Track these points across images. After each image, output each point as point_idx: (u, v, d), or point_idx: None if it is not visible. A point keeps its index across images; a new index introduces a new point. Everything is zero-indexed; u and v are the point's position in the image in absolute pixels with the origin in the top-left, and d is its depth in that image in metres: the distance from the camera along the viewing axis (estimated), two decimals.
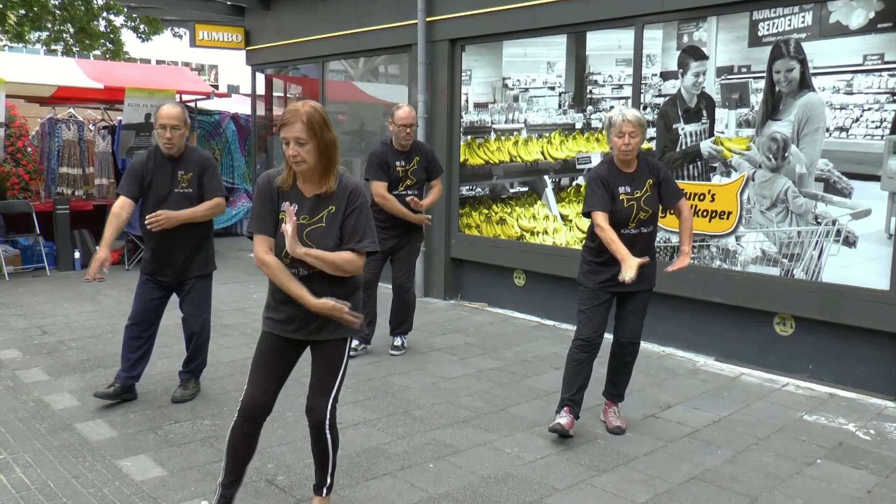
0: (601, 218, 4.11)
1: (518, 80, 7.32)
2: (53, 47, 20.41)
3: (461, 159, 7.91)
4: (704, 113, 5.92)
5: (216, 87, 23.74)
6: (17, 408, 4.69)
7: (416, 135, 5.91)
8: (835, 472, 3.93)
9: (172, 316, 5.05)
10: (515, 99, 7.35)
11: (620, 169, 4.23)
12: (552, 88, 7.04)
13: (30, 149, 10.62)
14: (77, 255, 9.72)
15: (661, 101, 6.19)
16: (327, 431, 3.17)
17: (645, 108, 6.29)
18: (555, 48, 6.99)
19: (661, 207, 4.33)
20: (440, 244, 8.09)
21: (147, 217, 4.50)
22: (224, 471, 3.20)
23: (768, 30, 5.55)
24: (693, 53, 5.97)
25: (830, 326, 5.34)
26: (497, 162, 7.57)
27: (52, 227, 9.63)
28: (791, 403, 4.98)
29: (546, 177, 7.14)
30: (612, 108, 6.50)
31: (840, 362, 5.34)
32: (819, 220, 5.34)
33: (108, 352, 5.86)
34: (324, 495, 3.29)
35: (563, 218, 6.99)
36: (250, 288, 8.60)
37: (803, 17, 5.37)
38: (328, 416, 3.16)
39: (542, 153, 7.15)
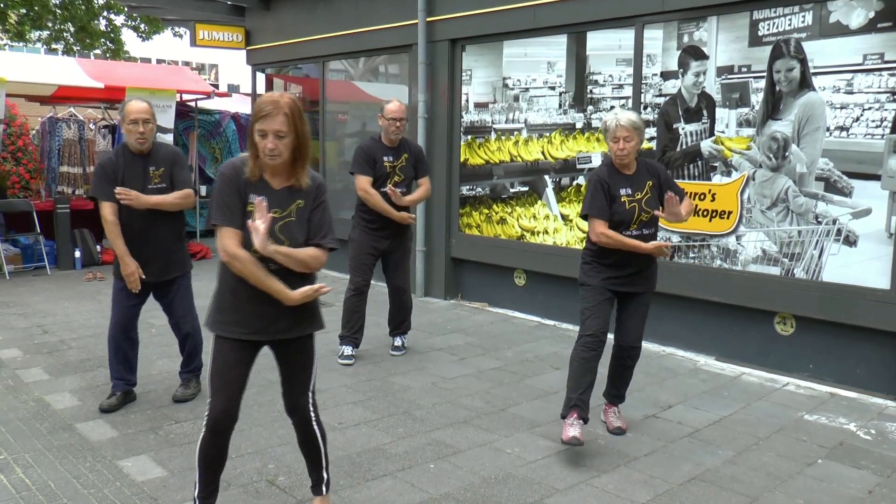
0: (602, 226, 4.11)
1: (518, 80, 7.32)
2: (54, 46, 20.42)
3: (462, 159, 7.91)
4: (705, 112, 5.92)
5: (216, 86, 23.73)
6: (17, 407, 4.69)
7: (406, 131, 5.83)
8: (836, 472, 3.93)
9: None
10: (516, 99, 7.35)
11: (620, 171, 4.23)
12: (552, 88, 7.03)
13: (30, 148, 10.62)
14: (77, 254, 9.71)
15: (661, 100, 6.19)
16: (314, 426, 3.19)
17: (645, 107, 6.29)
18: (555, 48, 6.99)
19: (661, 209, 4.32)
20: (440, 244, 8.09)
21: (117, 191, 4.41)
22: (200, 483, 3.09)
23: (768, 29, 5.54)
24: (693, 53, 5.96)
25: (831, 326, 5.34)
26: (497, 162, 7.57)
27: (52, 226, 9.63)
28: (792, 403, 4.98)
29: (546, 176, 7.13)
30: (612, 108, 6.50)
31: (841, 362, 5.34)
32: (819, 220, 5.34)
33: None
34: (324, 493, 3.29)
35: (564, 218, 6.99)
36: None
37: (803, 16, 5.36)
38: (312, 410, 3.17)
39: (543, 153, 7.15)
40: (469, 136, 7.83)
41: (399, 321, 6.03)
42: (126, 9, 14.86)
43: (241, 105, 13.36)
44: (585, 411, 4.12)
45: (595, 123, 6.68)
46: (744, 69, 5.68)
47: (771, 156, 5.55)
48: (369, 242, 5.74)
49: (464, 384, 5.28)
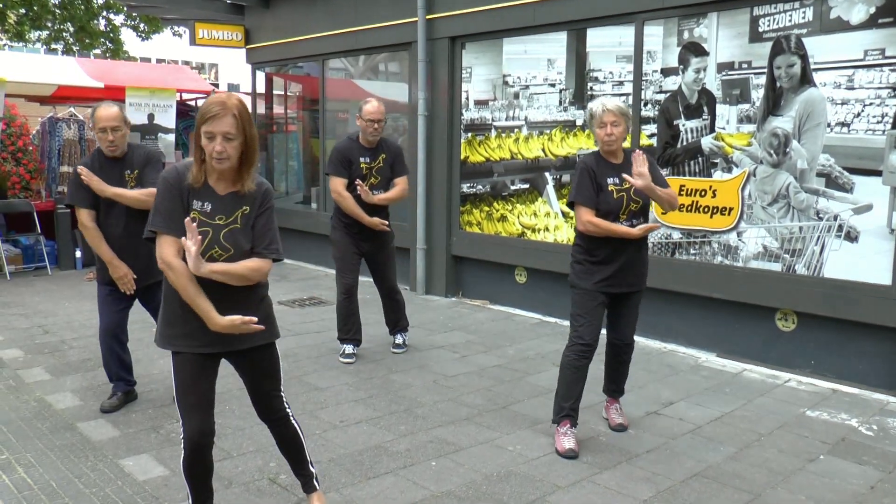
0: (588, 214, 4.03)
1: (518, 78, 7.31)
2: (53, 46, 20.42)
3: (462, 157, 7.90)
4: (705, 109, 5.91)
5: (216, 85, 23.76)
6: (19, 407, 4.69)
7: (385, 130, 5.71)
8: (838, 467, 3.92)
9: None
10: (516, 96, 7.34)
11: (607, 159, 4.13)
12: (553, 85, 7.03)
13: (30, 148, 10.61)
14: (78, 254, 9.72)
15: (661, 97, 6.18)
16: (292, 422, 3.17)
17: (646, 104, 6.28)
18: (555, 45, 6.98)
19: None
20: (441, 241, 8.08)
21: (79, 169, 4.37)
22: (192, 493, 3.04)
23: (769, 25, 5.53)
24: (694, 49, 5.95)
25: (833, 322, 5.33)
26: (498, 159, 7.56)
27: (53, 226, 9.63)
28: (793, 399, 4.97)
29: (547, 174, 7.13)
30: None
31: (842, 358, 5.33)
32: (821, 216, 5.33)
33: None
34: (317, 487, 3.28)
35: (565, 215, 6.98)
36: None
37: (804, 12, 5.35)
38: (286, 408, 3.15)
39: (543, 150, 7.14)
40: (469, 134, 7.82)
41: (395, 320, 6.01)
42: (125, 8, 14.85)
43: None
44: (576, 419, 4.16)
45: None
46: (744, 65, 5.67)
47: (772, 152, 5.54)
48: (350, 243, 5.68)
49: (465, 382, 5.28)
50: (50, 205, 9.75)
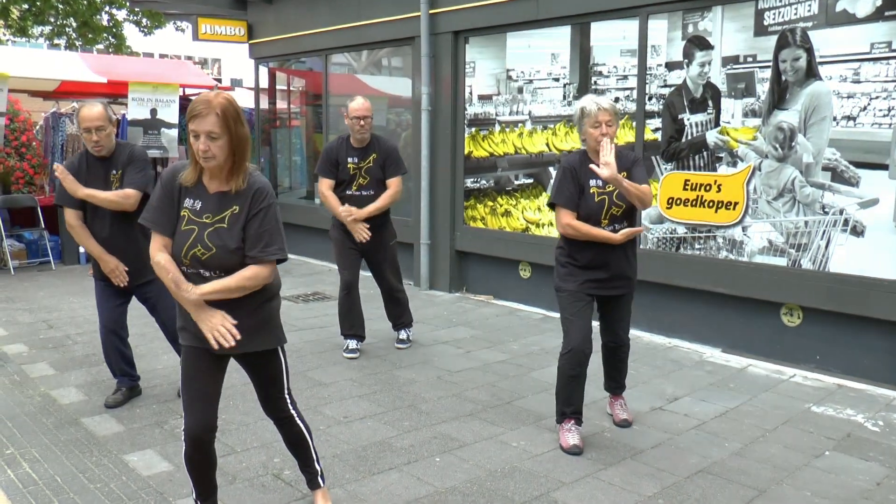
0: (568, 216, 3.96)
1: (522, 72, 7.29)
2: (56, 41, 20.41)
3: (466, 151, 7.88)
4: (710, 103, 5.88)
5: (219, 80, 23.73)
6: (23, 402, 4.69)
7: (372, 127, 5.59)
8: (843, 463, 3.91)
9: None
10: (520, 90, 7.32)
11: (594, 161, 4.00)
12: (556, 80, 7.00)
13: (34, 143, 10.61)
14: (82, 248, 9.72)
15: (666, 91, 6.15)
16: (298, 423, 3.15)
17: (650, 98, 6.26)
18: (559, 39, 6.95)
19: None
20: (445, 237, 8.07)
21: (55, 166, 4.37)
22: (196, 487, 3.05)
23: (774, 19, 5.50)
24: (698, 43, 5.92)
25: (838, 316, 5.31)
26: (502, 154, 7.54)
27: (56, 221, 9.63)
28: (799, 394, 4.95)
29: (551, 168, 7.10)
30: (577, 97, 6.47)
31: (848, 353, 5.31)
32: (826, 210, 5.31)
33: None
34: (322, 485, 3.28)
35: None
36: None
37: (809, 5, 5.32)
38: (291, 409, 3.13)
39: (547, 145, 7.12)
40: (473, 129, 7.80)
41: (397, 316, 5.98)
42: (128, 3, 14.86)
43: (244, 99, 13.33)
44: (581, 416, 4.14)
45: None
46: (749, 59, 5.64)
47: (777, 146, 5.52)
48: (346, 240, 5.62)
49: (469, 377, 5.27)
50: (53, 200, 9.74)
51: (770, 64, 5.51)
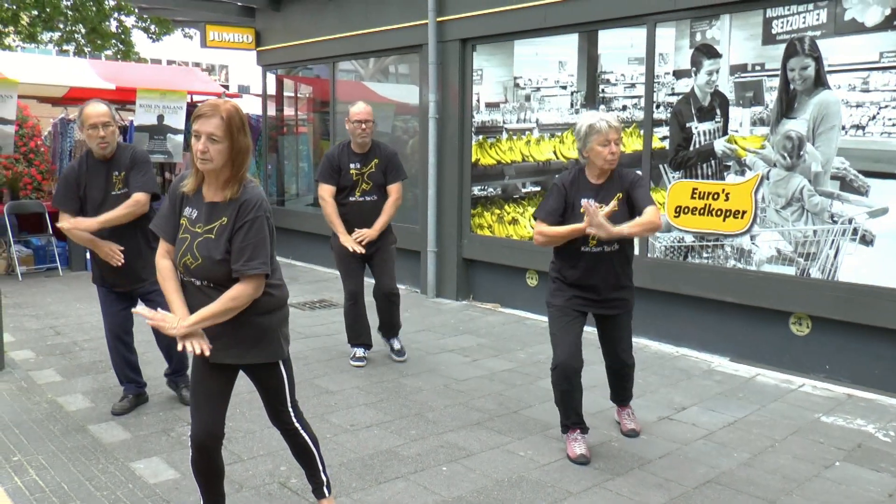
0: (540, 227, 3.91)
1: (529, 80, 7.29)
2: (65, 48, 20.51)
3: (473, 159, 7.88)
4: (718, 111, 5.87)
5: (227, 87, 23.82)
6: (30, 409, 4.70)
7: (374, 132, 5.62)
8: (854, 474, 3.88)
9: None
10: (527, 98, 7.32)
11: (589, 180, 3.94)
12: (564, 87, 7.00)
13: (42, 149, 10.65)
14: (89, 255, 9.71)
15: (674, 99, 6.15)
16: (303, 434, 3.14)
17: (658, 106, 6.25)
18: (566, 47, 6.95)
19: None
20: (452, 244, 8.06)
21: (71, 223, 4.35)
22: (203, 495, 3.07)
23: (782, 27, 5.49)
24: (706, 51, 5.92)
25: (847, 326, 5.29)
26: (509, 162, 7.54)
27: None
28: (808, 404, 4.93)
29: (558, 176, 7.08)
30: (581, 111, 6.46)
31: (857, 362, 5.28)
32: (835, 219, 5.28)
33: None
34: (328, 494, 3.27)
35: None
36: None
37: (818, 14, 5.31)
38: (295, 420, 3.11)
39: (555, 153, 7.11)
40: (480, 136, 7.80)
41: (389, 322, 5.83)
42: (136, 10, 14.91)
43: (251, 106, 13.36)
44: (585, 425, 4.11)
45: None
46: (757, 67, 5.63)
47: (785, 155, 5.50)
48: (347, 249, 5.56)
49: (476, 386, 5.26)
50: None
51: (778, 72, 5.50)
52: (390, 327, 5.87)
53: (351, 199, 5.52)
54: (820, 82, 5.30)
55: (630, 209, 3.90)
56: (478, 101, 7.80)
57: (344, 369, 5.57)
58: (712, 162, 5.92)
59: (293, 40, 10.21)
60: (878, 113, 5.06)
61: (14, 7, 17.91)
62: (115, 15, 20.51)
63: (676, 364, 5.81)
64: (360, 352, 5.70)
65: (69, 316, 7.19)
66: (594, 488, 3.70)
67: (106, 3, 19.72)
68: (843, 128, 5.21)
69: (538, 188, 7.29)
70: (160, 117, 10.06)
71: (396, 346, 5.87)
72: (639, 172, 4.15)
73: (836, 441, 4.31)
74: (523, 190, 7.44)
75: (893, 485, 3.76)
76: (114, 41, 20.81)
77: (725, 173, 5.85)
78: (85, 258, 9.67)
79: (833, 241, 5.30)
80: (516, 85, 7.40)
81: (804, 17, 5.38)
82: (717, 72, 5.86)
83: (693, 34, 6.00)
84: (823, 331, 5.43)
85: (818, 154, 5.33)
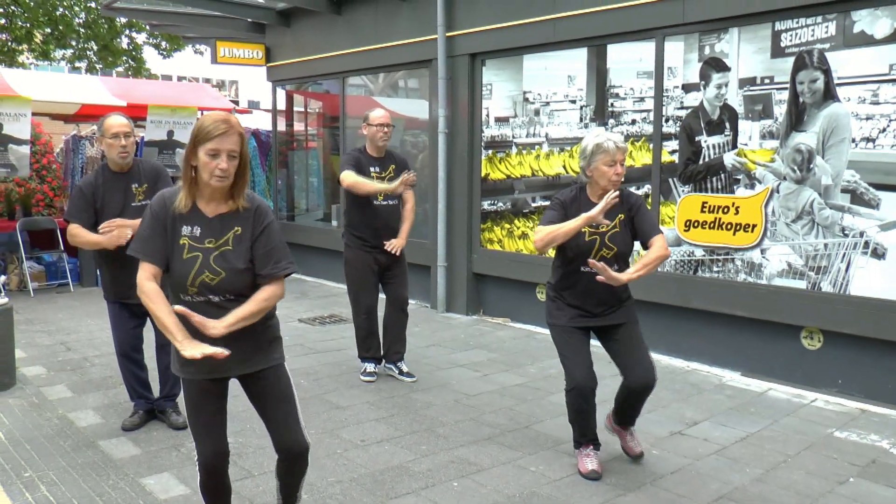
0: (540, 228, 3.84)
1: (539, 94, 7.30)
2: (77, 65, 20.71)
3: (482, 174, 7.89)
4: (727, 125, 5.87)
5: (237, 102, 23.97)
6: (41, 425, 4.71)
7: (389, 142, 5.65)
8: (868, 490, 3.84)
9: None
10: (536, 112, 7.33)
11: (591, 199, 3.87)
12: (573, 102, 7.01)
13: (54, 166, 10.74)
14: (99, 271, 9.77)
15: (683, 113, 6.15)
16: (308, 456, 3.09)
17: (667, 120, 6.25)
18: (575, 61, 6.97)
19: (632, 245, 3.95)
20: (462, 259, 8.06)
21: (101, 227, 4.32)
22: None
23: (791, 40, 5.49)
24: (715, 65, 5.92)
25: (860, 340, 5.25)
26: (519, 176, 7.55)
27: None
28: (820, 419, 4.89)
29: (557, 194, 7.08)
30: (585, 128, 6.46)
31: (870, 376, 5.24)
32: (846, 233, 5.26)
33: None
34: None
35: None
36: None
37: (826, 27, 5.31)
38: (308, 442, 3.05)
39: (564, 167, 7.12)
40: (490, 151, 7.82)
41: (397, 338, 5.73)
42: (148, 27, 15.05)
43: (261, 121, 13.45)
44: (598, 441, 4.07)
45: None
46: (766, 81, 5.63)
47: (795, 168, 5.49)
48: (366, 260, 5.57)
49: (487, 401, 5.24)
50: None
51: (787, 85, 5.50)
52: (400, 342, 5.79)
53: (374, 202, 5.51)
54: (829, 95, 5.29)
55: (632, 233, 3.89)
56: (487, 115, 7.82)
57: (354, 384, 5.57)
58: (722, 175, 5.91)
59: (303, 56, 10.28)
60: (888, 125, 5.04)
61: (28, 25, 18.11)
62: (127, 32, 20.72)
63: (687, 378, 5.78)
64: (370, 367, 5.70)
65: (80, 332, 7.22)
66: None
67: (117, 20, 19.91)
68: (853, 140, 5.19)
69: (548, 202, 7.28)
70: (170, 132, 10.13)
71: (404, 368, 5.77)
72: (639, 194, 4.07)
73: (849, 456, 4.27)
74: (533, 204, 7.44)
75: None
76: (125, 58, 21.01)
77: (735, 187, 5.84)
78: (96, 275, 9.74)
79: (844, 254, 5.28)
80: (525, 99, 7.42)
81: (813, 30, 5.38)
82: (726, 85, 5.86)
83: (702, 48, 6.00)
84: (835, 345, 5.39)
85: (828, 167, 5.32)
